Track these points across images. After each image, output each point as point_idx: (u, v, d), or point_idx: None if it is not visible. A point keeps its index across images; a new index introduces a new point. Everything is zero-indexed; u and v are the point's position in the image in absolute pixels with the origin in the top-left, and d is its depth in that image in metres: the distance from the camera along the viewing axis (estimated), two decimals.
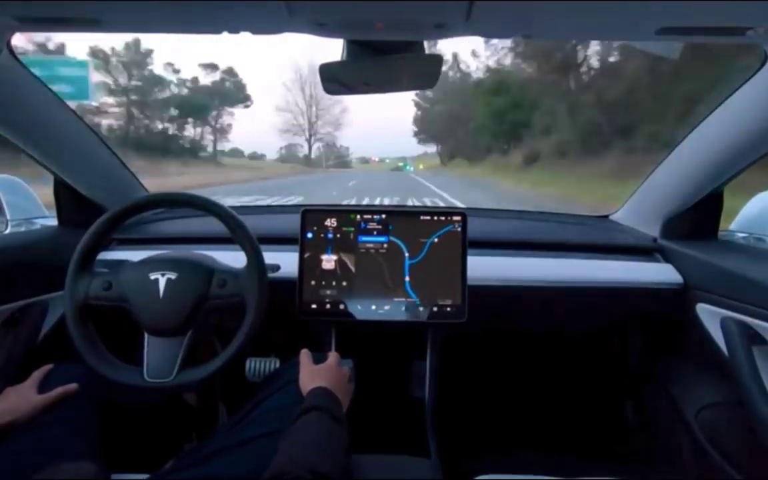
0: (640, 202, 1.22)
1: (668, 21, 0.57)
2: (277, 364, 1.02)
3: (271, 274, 0.85)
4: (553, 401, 1.46)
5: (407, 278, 0.98)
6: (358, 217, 1.00)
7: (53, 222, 1.16)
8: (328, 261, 0.99)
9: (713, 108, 0.90)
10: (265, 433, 0.70)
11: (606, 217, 1.34)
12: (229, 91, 31.38)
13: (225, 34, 0.63)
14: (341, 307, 0.98)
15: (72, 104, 0.96)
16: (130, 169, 1.22)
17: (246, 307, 0.79)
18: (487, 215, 1.40)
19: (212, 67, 30.54)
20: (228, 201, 0.92)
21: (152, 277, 0.79)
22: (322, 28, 0.61)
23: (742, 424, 0.91)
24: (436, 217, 0.99)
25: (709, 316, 0.96)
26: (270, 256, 0.87)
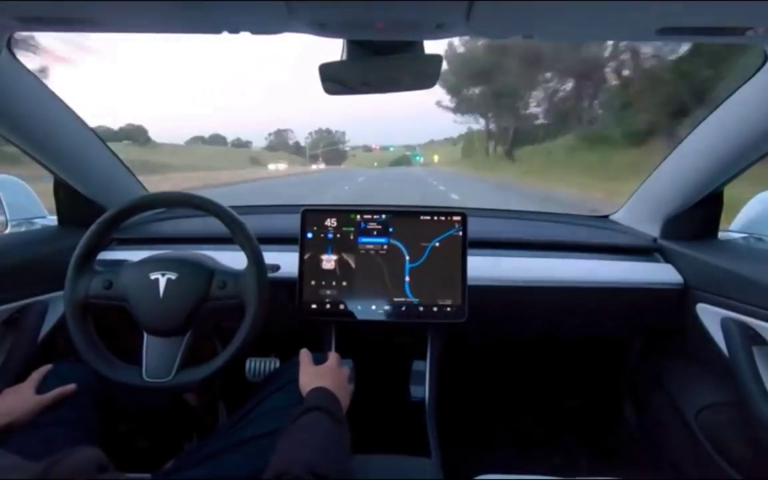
0: (640, 202, 1.22)
1: (668, 21, 0.57)
2: (277, 364, 1.02)
3: (271, 274, 0.85)
4: (553, 401, 1.46)
5: (407, 279, 0.98)
6: (358, 217, 1.00)
7: (53, 222, 1.16)
8: (328, 261, 0.99)
9: (713, 108, 0.90)
10: (265, 433, 0.70)
11: (606, 217, 1.34)
12: None
13: (225, 34, 0.63)
14: (341, 307, 0.98)
15: None
16: (130, 169, 1.22)
17: (246, 309, 0.79)
18: (487, 215, 1.40)
19: None
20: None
21: (152, 276, 0.79)
22: (322, 28, 0.61)
23: (742, 424, 0.91)
24: (436, 218, 0.99)
25: (709, 316, 0.96)
26: (270, 256, 0.87)
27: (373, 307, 0.98)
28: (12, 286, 0.89)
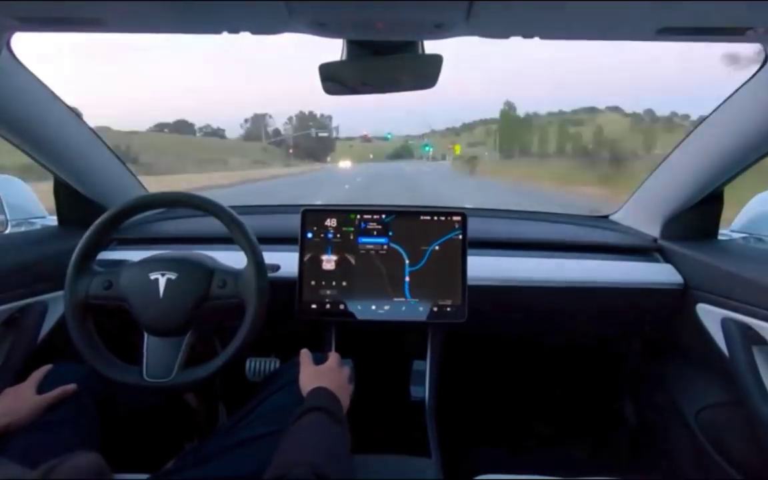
0: (640, 203, 1.22)
1: (668, 21, 0.57)
2: (277, 364, 1.02)
3: (271, 274, 0.85)
4: (553, 401, 1.46)
5: (407, 279, 0.98)
6: (358, 217, 1.00)
7: (53, 222, 1.16)
8: (328, 261, 0.99)
9: (714, 108, 0.90)
10: (265, 433, 0.70)
11: (606, 217, 1.34)
12: None
13: (225, 34, 0.63)
14: (341, 307, 0.98)
15: None
16: (130, 169, 1.22)
17: (246, 308, 0.79)
18: (487, 215, 1.40)
19: None
20: None
21: (152, 277, 0.79)
22: (322, 27, 0.61)
23: (742, 424, 0.91)
24: (436, 218, 0.99)
25: (710, 316, 0.96)
26: (270, 256, 0.87)
27: (373, 307, 0.98)
28: (12, 286, 0.89)
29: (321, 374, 0.77)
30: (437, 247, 0.98)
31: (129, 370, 0.78)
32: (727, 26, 0.59)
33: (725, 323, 0.91)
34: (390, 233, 1.00)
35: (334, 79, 0.75)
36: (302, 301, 0.98)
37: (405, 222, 1.00)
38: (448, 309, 0.97)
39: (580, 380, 1.45)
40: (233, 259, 0.88)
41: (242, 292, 0.80)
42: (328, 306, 0.98)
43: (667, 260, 1.09)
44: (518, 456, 1.33)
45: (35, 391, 0.74)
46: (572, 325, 1.23)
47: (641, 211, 1.22)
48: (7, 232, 1.12)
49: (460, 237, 0.98)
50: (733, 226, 1.17)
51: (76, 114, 0.99)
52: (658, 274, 1.07)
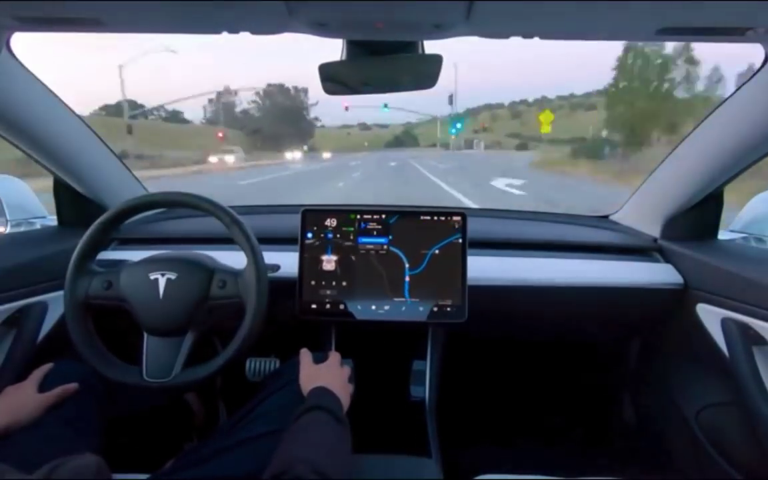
0: (641, 203, 1.22)
1: (668, 21, 0.57)
2: (277, 364, 1.02)
3: (271, 274, 0.85)
4: (553, 401, 1.46)
5: (407, 279, 0.98)
6: (358, 217, 1.00)
7: (53, 222, 1.16)
8: (328, 261, 0.99)
9: (714, 108, 0.90)
10: (265, 433, 0.70)
11: (606, 217, 1.34)
12: None
13: (225, 34, 0.63)
14: (341, 307, 0.98)
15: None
16: (130, 169, 1.22)
17: (246, 308, 0.79)
18: (487, 215, 1.40)
19: None
20: None
21: (152, 277, 0.79)
22: (322, 28, 0.61)
23: (742, 424, 0.91)
24: (436, 218, 0.99)
25: (710, 316, 0.96)
26: (270, 256, 0.87)
27: (373, 307, 0.98)
28: (12, 286, 0.89)
29: (321, 374, 0.77)
30: (437, 251, 0.98)
31: (129, 369, 0.78)
32: (727, 26, 0.59)
33: (725, 323, 0.91)
34: (390, 234, 1.00)
35: (334, 79, 0.75)
36: (302, 301, 0.98)
37: (405, 223, 1.00)
38: (448, 309, 0.97)
39: (580, 380, 1.45)
40: (233, 259, 0.88)
41: (242, 292, 0.80)
42: (328, 306, 0.98)
43: (667, 260, 1.09)
44: (518, 456, 1.33)
45: (36, 390, 0.74)
46: (572, 325, 1.23)
47: (641, 211, 1.22)
48: (7, 232, 1.12)
49: (460, 241, 0.98)
50: (733, 226, 1.17)
51: (76, 114, 0.99)
52: (658, 274, 1.07)
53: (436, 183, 12.30)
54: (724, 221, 1.09)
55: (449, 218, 0.99)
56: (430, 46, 0.70)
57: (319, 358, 0.82)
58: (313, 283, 0.99)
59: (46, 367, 0.79)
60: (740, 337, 0.88)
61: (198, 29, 0.68)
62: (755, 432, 0.87)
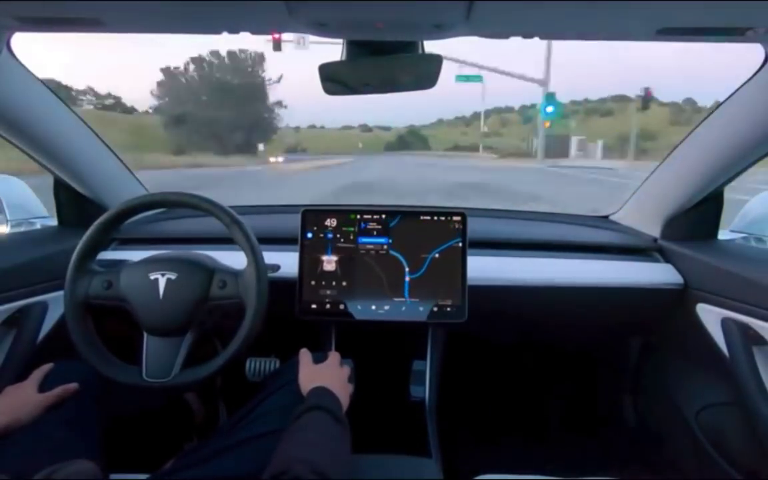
0: (641, 203, 1.22)
1: (668, 21, 0.57)
2: (277, 364, 1.02)
3: (271, 274, 0.85)
4: (553, 401, 1.46)
5: (407, 279, 0.98)
6: (358, 217, 1.00)
7: (53, 222, 1.16)
8: (328, 261, 0.99)
9: (714, 108, 0.90)
10: (265, 433, 0.70)
11: (606, 217, 1.34)
12: None
13: (225, 34, 0.63)
14: (341, 307, 0.98)
15: None
16: (130, 169, 1.22)
17: (246, 309, 0.79)
18: (487, 215, 1.40)
19: None
20: None
21: (152, 277, 0.79)
22: (322, 27, 0.61)
23: (742, 424, 0.91)
24: (436, 218, 0.99)
25: (710, 316, 0.96)
26: (270, 256, 0.87)
27: (373, 307, 0.98)
28: (12, 286, 0.89)
29: (321, 373, 0.77)
30: (437, 255, 0.98)
31: (128, 369, 0.78)
32: (727, 26, 0.59)
33: (725, 323, 0.91)
34: (390, 236, 0.99)
35: (334, 79, 0.75)
36: (302, 301, 0.98)
37: (405, 223, 1.00)
38: (448, 309, 0.97)
39: (580, 380, 1.45)
40: (233, 259, 0.88)
41: (242, 293, 0.80)
42: (328, 306, 0.98)
43: (667, 260, 1.09)
44: (518, 456, 1.33)
45: (36, 390, 0.75)
46: (572, 325, 1.23)
47: (641, 211, 1.22)
48: (7, 232, 1.12)
49: (460, 245, 0.98)
50: (733, 226, 1.17)
51: (77, 114, 0.99)
52: (658, 274, 1.07)
53: None
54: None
55: (449, 218, 0.99)
56: (430, 46, 0.70)
57: (319, 358, 0.82)
58: (313, 283, 0.99)
59: (46, 367, 0.79)
60: (740, 337, 0.88)
61: (198, 29, 0.68)
62: (755, 432, 0.87)
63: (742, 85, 0.82)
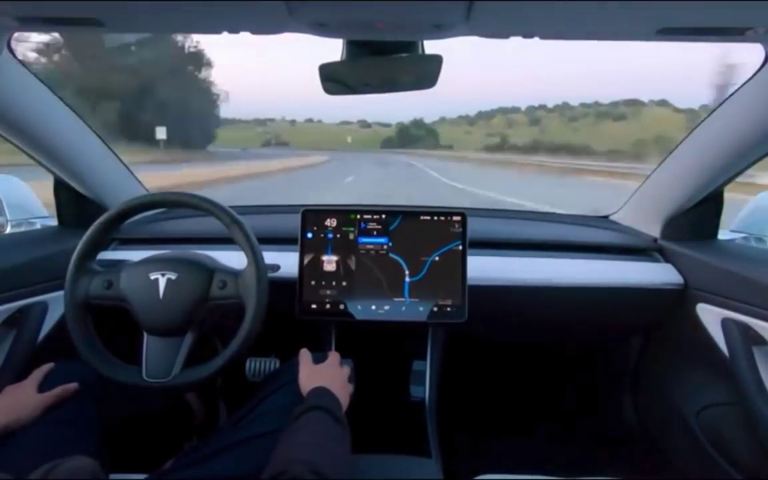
0: (641, 203, 1.22)
1: (668, 21, 0.57)
2: (277, 364, 1.02)
3: (271, 274, 0.85)
4: (553, 401, 1.46)
5: (407, 280, 0.98)
6: (359, 217, 1.00)
7: (53, 222, 1.16)
8: (329, 261, 0.99)
9: (713, 108, 0.90)
10: (265, 433, 0.70)
11: (606, 217, 1.34)
12: None
13: (225, 34, 0.63)
14: (341, 307, 0.98)
15: None
16: (130, 169, 1.22)
17: (246, 308, 0.79)
18: (487, 215, 1.41)
19: None
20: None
21: (152, 277, 0.79)
22: (322, 28, 0.61)
23: (742, 424, 0.91)
24: (436, 218, 0.99)
25: (710, 316, 0.96)
26: (270, 256, 0.87)
27: (373, 307, 0.98)
28: (12, 286, 0.89)
29: (321, 373, 0.77)
30: (437, 258, 0.98)
31: (129, 369, 0.78)
32: (727, 26, 0.59)
33: (725, 323, 0.91)
34: (390, 236, 0.99)
35: (334, 79, 0.75)
36: (302, 301, 0.98)
37: (405, 223, 1.00)
38: (448, 309, 0.97)
39: (580, 380, 1.45)
40: (233, 259, 0.88)
41: (242, 293, 0.80)
42: (328, 306, 0.98)
43: (667, 260, 1.09)
44: (518, 456, 1.33)
45: (36, 390, 0.75)
46: (572, 325, 1.23)
47: (641, 211, 1.22)
48: (7, 232, 1.12)
49: (460, 248, 0.98)
50: (733, 226, 1.17)
51: (77, 114, 0.99)
52: (658, 274, 1.07)
53: None
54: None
55: (449, 218, 0.99)
56: (430, 46, 0.70)
57: (319, 357, 0.82)
58: (313, 283, 0.99)
59: (46, 367, 0.79)
60: (740, 337, 0.88)
61: (198, 29, 0.68)
62: (755, 432, 0.87)
63: (742, 85, 0.81)
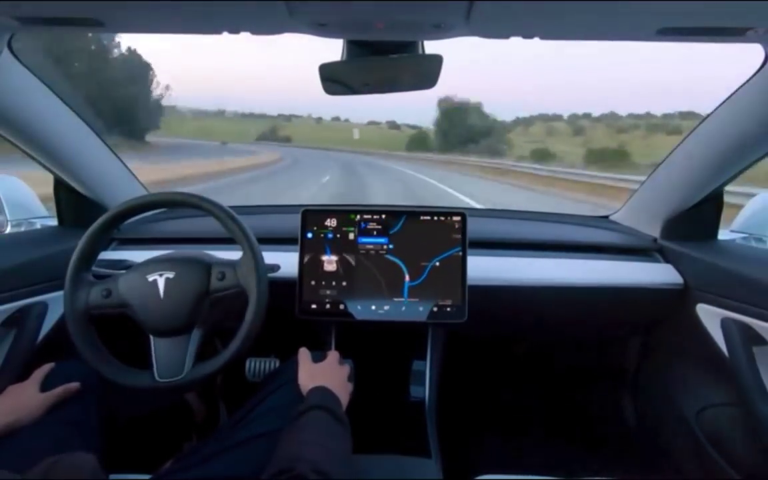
0: (641, 203, 1.22)
1: (668, 21, 0.57)
2: (277, 364, 1.02)
3: (271, 274, 0.85)
4: (553, 401, 1.46)
5: (407, 279, 0.98)
6: (358, 217, 1.00)
7: (53, 222, 1.16)
8: (329, 261, 0.99)
9: (714, 108, 0.90)
10: (265, 433, 0.70)
11: (606, 217, 1.34)
12: None
13: (225, 34, 0.63)
14: (341, 307, 0.98)
15: None
16: (130, 169, 1.22)
17: (248, 295, 0.79)
18: (487, 215, 1.41)
19: None
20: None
21: (150, 278, 0.79)
22: (322, 28, 0.61)
23: (742, 424, 0.91)
24: (436, 218, 0.99)
25: (709, 316, 0.96)
26: (270, 256, 0.87)
27: (373, 307, 0.98)
28: (12, 286, 0.89)
29: (320, 373, 0.77)
30: (437, 263, 0.98)
31: (140, 374, 0.78)
32: (727, 26, 0.59)
33: (725, 323, 0.91)
34: (390, 236, 0.99)
35: (334, 79, 0.75)
36: (302, 301, 0.98)
37: (405, 223, 1.00)
38: (448, 309, 0.97)
39: (579, 380, 1.45)
40: (233, 257, 0.88)
41: (242, 281, 0.80)
42: (327, 306, 0.98)
43: (667, 260, 1.09)
44: (518, 456, 1.33)
45: (38, 390, 0.75)
46: (572, 325, 1.23)
47: (641, 211, 1.22)
48: (7, 232, 1.12)
49: (460, 254, 0.98)
50: (733, 226, 1.17)
51: (77, 114, 0.99)
52: (658, 274, 1.07)
53: None
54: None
55: (449, 218, 0.99)
56: (431, 46, 0.70)
57: (318, 357, 0.82)
58: (313, 283, 0.99)
59: (47, 367, 0.79)
60: (740, 337, 0.88)
61: (198, 29, 0.68)
62: (755, 432, 0.87)
63: (742, 86, 0.81)
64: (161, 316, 0.78)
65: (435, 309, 0.97)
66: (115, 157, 1.15)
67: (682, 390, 1.09)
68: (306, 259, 0.99)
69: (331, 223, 1.00)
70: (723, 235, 1.10)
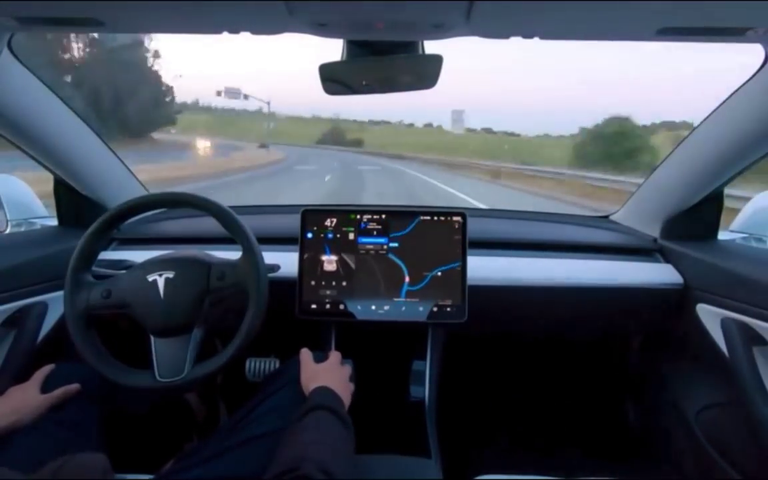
0: (641, 203, 1.22)
1: (668, 21, 0.57)
2: (277, 364, 1.02)
3: (271, 274, 0.85)
4: (553, 401, 1.46)
5: (407, 279, 0.98)
6: (358, 217, 1.00)
7: (53, 222, 1.16)
8: (329, 261, 0.99)
9: (714, 108, 0.90)
10: (265, 433, 0.70)
11: (606, 217, 1.34)
12: None
13: (225, 34, 0.63)
14: (341, 307, 0.98)
15: None
16: (129, 168, 1.22)
17: (248, 295, 0.79)
18: (488, 215, 1.41)
19: None
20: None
21: (150, 278, 0.79)
22: (322, 28, 0.61)
23: (742, 424, 0.91)
24: (436, 219, 0.99)
25: (709, 316, 0.96)
26: (270, 256, 0.87)
27: (373, 307, 0.98)
28: (12, 286, 0.89)
29: (323, 373, 0.77)
30: (439, 274, 0.98)
31: (141, 374, 0.78)
32: (727, 26, 0.59)
33: (725, 323, 0.91)
34: (390, 236, 0.99)
35: (334, 79, 0.75)
36: (302, 301, 0.98)
37: (405, 224, 1.00)
38: (448, 309, 0.97)
39: (580, 380, 1.45)
40: (233, 257, 0.88)
41: (242, 279, 0.80)
42: (327, 306, 0.98)
43: (667, 260, 1.09)
44: (518, 456, 1.33)
45: (39, 391, 0.75)
46: (572, 325, 1.23)
47: (641, 211, 1.22)
48: (7, 232, 1.12)
49: (459, 268, 0.98)
50: (733, 226, 1.17)
51: (77, 114, 0.99)
52: (658, 274, 1.07)
53: None
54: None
55: (450, 218, 0.99)
56: (431, 46, 0.70)
57: (320, 357, 0.83)
58: (313, 283, 0.99)
59: (48, 368, 0.79)
60: (740, 337, 0.88)
61: (198, 29, 0.68)
62: (755, 432, 0.87)
63: (742, 86, 0.82)
64: (161, 316, 0.78)
65: (435, 309, 0.97)
66: (115, 156, 1.15)
67: (682, 390, 1.09)
68: (306, 259, 0.99)
69: (330, 223, 1.00)
70: (723, 235, 1.10)
